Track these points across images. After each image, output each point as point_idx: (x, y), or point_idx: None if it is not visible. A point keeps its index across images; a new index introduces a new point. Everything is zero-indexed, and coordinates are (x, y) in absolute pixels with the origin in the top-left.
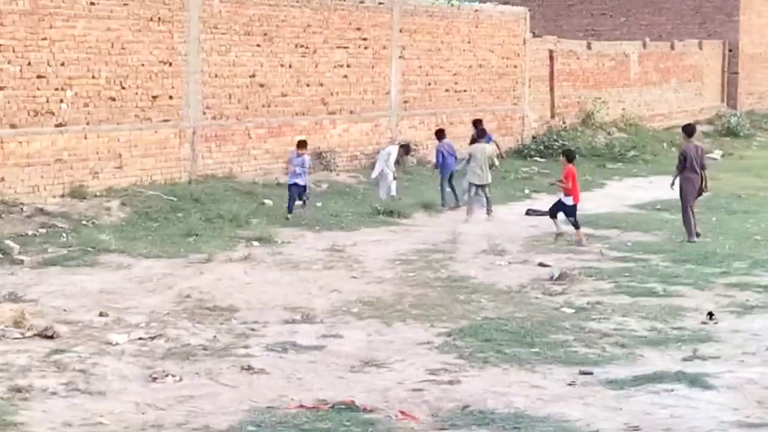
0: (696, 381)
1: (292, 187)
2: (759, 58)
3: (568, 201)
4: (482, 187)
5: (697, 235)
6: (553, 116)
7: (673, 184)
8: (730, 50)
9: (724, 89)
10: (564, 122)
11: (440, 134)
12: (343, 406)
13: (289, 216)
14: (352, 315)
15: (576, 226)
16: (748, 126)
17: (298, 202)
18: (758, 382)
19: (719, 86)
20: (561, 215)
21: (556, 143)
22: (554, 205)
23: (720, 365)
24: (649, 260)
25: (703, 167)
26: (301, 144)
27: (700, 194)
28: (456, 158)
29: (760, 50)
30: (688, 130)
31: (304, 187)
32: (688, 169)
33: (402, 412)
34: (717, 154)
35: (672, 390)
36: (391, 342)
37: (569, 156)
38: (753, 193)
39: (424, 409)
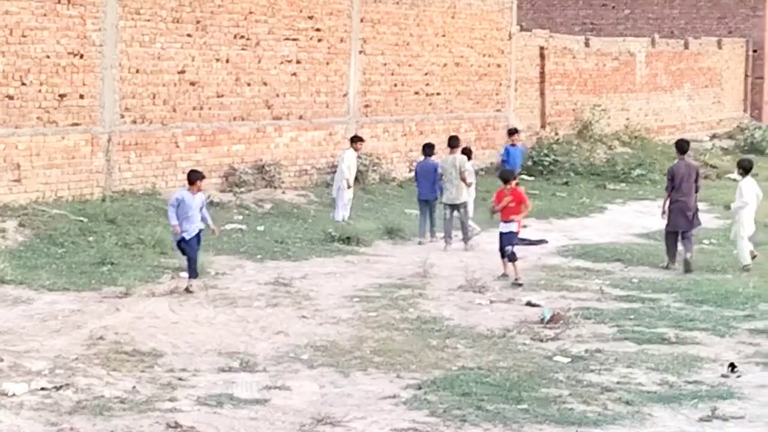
0: None
1: (183, 244)
2: None
3: (508, 228)
4: (455, 207)
5: (687, 269)
6: (543, 126)
7: (663, 212)
8: (754, 51)
9: (747, 97)
10: (557, 133)
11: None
12: None
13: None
14: (301, 362)
15: (512, 258)
16: None
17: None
18: None
19: (741, 93)
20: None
21: (547, 158)
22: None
23: (744, 427)
24: (659, 300)
25: (697, 190)
26: (194, 177)
27: (694, 218)
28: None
29: None
30: (681, 145)
31: (198, 237)
32: (677, 191)
33: None
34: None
35: None
36: (349, 395)
37: (504, 177)
38: None
39: None
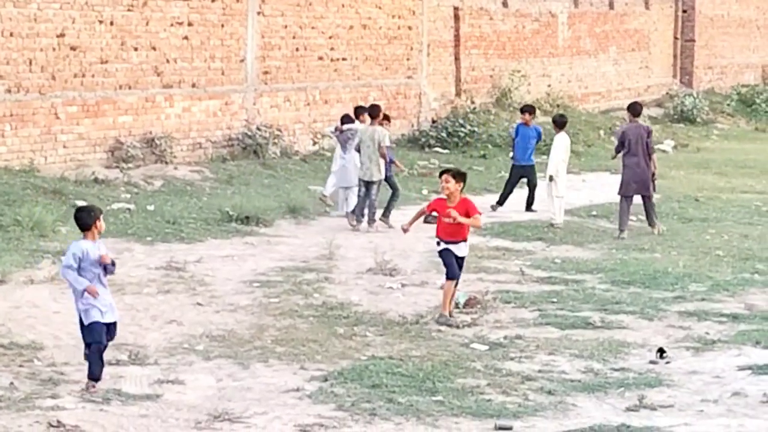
0: None
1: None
2: (720, 22)
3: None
4: (369, 185)
5: (657, 231)
6: (458, 94)
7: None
8: (684, 11)
9: (677, 62)
10: (473, 102)
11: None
12: None
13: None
14: (196, 354)
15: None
16: (707, 110)
17: None
18: None
19: (670, 57)
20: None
21: (463, 129)
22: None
23: (674, 417)
24: (583, 282)
25: (651, 152)
26: (88, 220)
27: (652, 182)
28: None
29: (723, 11)
30: (635, 108)
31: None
32: (629, 155)
33: None
34: (668, 145)
35: None
36: (249, 389)
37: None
38: (713, 196)
39: None
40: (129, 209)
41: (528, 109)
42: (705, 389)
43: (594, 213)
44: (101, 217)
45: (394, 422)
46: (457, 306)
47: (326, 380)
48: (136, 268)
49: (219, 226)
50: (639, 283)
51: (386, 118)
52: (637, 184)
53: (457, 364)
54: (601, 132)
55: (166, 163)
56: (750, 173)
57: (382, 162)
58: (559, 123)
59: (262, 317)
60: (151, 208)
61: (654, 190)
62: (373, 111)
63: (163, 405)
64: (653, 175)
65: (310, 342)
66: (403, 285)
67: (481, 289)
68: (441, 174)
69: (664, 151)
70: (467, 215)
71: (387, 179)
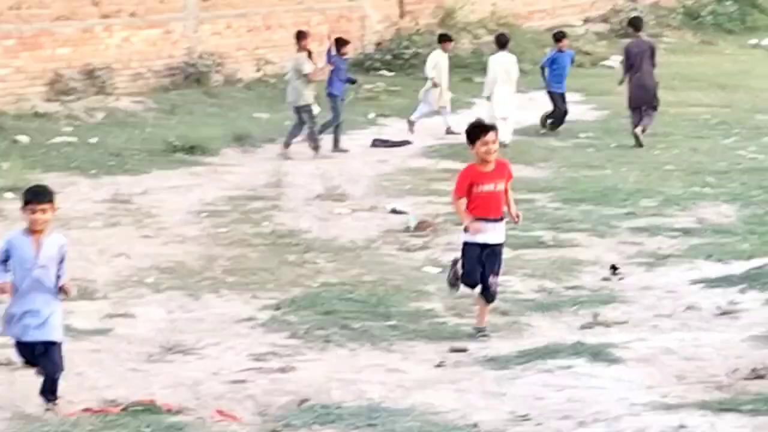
0: (599, 354)
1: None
2: None
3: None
4: (297, 110)
5: (637, 143)
6: (402, 16)
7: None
8: None
9: None
10: (417, 23)
11: None
12: (140, 408)
13: None
14: (146, 287)
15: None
16: (653, 23)
17: None
18: (676, 352)
19: None
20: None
21: (407, 51)
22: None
23: (628, 332)
24: (534, 201)
25: (653, 66)
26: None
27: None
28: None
29: None
30: (635, 22)
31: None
32: (633, 70)
33: (219, 412)
34: (614, 60)
35: (569, 367)
36: (201, 320)
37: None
38: (661, 111)
39: (248, 407)
40: (71, 143)
41: (561, 35)
42: (658, 304)
43: (542, 132)
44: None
45: (348, 348)
46: (407, 229)
47: (278, 308)
48: (81, 202)
49: (164, 156)
50: (590, 201)
51: (447, 39)
52: (642, 96)
53: (409, 288)
54: (547, 50)
55: (107, 94)
56: (698, 86)
57: (310, 87)
58: (501, 42)
59: (212, 247)
60: (93, 140)
61: (657, 105)
62: (297, 36)
63: (114, 339)
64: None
65: (260, 271)
66: (352, 210)
67: (431, 212)
68: (474, 133)
69: (610, 66)
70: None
71: (332, 104)
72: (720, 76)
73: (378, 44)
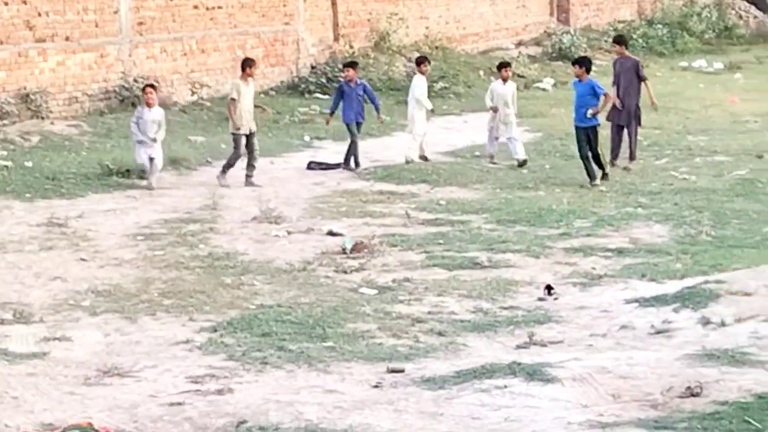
0: (534, 373)
1: None
2: None
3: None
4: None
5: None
6: (336, 39)
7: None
8: None
9: (554, 0)
10: (351, 47)
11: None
12: (77, 431)
13: None
14: (82, 310)
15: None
16: (585, 46)
17: None
18: (611, 371)
19: None
20: None
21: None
22: None
23: (563, 352)
24: (469, 222)
25: (642, 79)
26: None
27: (628, 112)
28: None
29: None
30: (620, 40)
31: None
32: (616, 86)
33: None
34: (547, 83)
35: (505, 386)
36: (138, 343)
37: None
38: None
39: (186, 429)
40: (6, 166)
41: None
42: (593, 324)
43: (477, 153)
44: None
45: (285, 369)
46: (344, 251)
47: (216, 331)
48: (17, 225)
49: (99, 180)
50: (524, 222)
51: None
52: (620, 114)
53: (346, 309)
54: (481, 72)
55: (43, 118)
56: None
57: (238, 114)
58: (418, 62)
59: (148, 270)
60: (29, 164)
61: (638, 122)
62: (242, 64)
63: (50, 362)
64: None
65: (197, 293)
66: (288, 232)
67: (367, 233)
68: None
69: (543, 89)
70: None
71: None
72: None
73: (313, 67)
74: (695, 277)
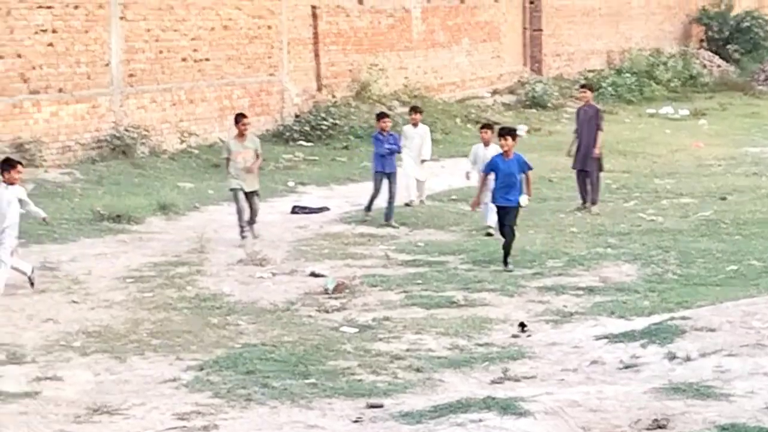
0: (508, 407)
1: None
2: (566, 12)
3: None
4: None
5: (590, 203)
6: (320, 89)
7: (569, 153)
8: (531, 2)
9: (527, 50)
10: (334, 96)
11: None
12: None
13: None
14: (73, 350)
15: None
16: (557, 95)
17: None
18: (582, 404)
19: (520, 47)
20: None
21: (325, 122)
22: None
23: (536, 387)
24: (446, 263)
25: (597, 127)
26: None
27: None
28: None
29: (568, 1)
30: (590, 86)
31: None
32: (577, 132)
33: None
34: (522, 129)
35: (480, 420)
36: (127, 382)
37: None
38: (565, 176)
39: None
40: None
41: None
42: (565, 359)
43: (454, 197)
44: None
45: (269, 406)
46: (326, 291)
47: (202, 369)
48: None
49: (91, 225)
50: (499, 262)
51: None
52: (580, 160)
53: (328, 347)
54: (458, 120)
55: (37, 166)
56: None
57: (234, 172)
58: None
59: (137, 311)
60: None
61: (600, 168)
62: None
63: (42, 401)
64: (593, 150)
65: (184, 333)
66: (273, 274)
67: (348, 274)
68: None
69: (519, 135)
70: None
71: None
72: (620, 143)
73: (297, 116)
74: (662, 314)
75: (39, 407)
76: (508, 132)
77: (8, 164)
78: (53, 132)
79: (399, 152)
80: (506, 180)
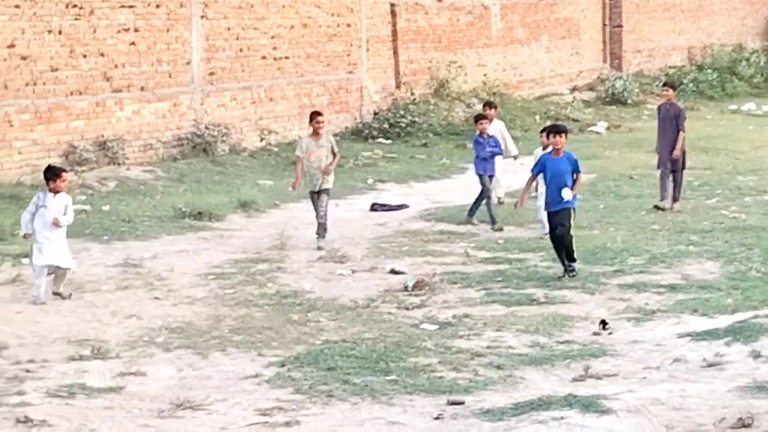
0: (590, 405)
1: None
2: (647, 7)
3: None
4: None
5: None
6: (398, 86)
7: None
8: None
9: (606, 47)
10: (412, 93)
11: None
12: None
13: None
14: (156, 346)
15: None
16: (637, 91)
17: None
18: (665, 403)
19: (600, 43)
20: None
21: (404, 120)
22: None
23: (618, 384)
24: (526, 260)
25: (679, 128)
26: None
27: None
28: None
29: None
30: (670, 84)
31: None
32: (658, 130)
33: None
34: (601, 126)
35: (562, 418)
36: (209, 377)
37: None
38: (646, 174)
39: None
40: (85, 210)
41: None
42: (647, 357)
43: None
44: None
45: (350, 402)
46: (406, 289)
47: (283, 365)
48: (94, 266)
49: (173, 222)
50: (580, 259)
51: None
52: (662, 158)
53: (408, 344)
54: (537, 117)
55: (119, 164)
56: None
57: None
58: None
59: (219, 308)
60: (106, 208)
61: (683, 166)
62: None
63: (126, 396)
64: (672, 151)
65: (265, 330)
66: (353, 271)
67: (428, 271)
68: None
69: (597, 132)
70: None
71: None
72: (702, 140)
73: (375, 113)
74: (746, 312)
75: (123, 402)
76: (560, 130)
77: (53, 173)
78: (135, 130)
79: (501, 154)
80: (557, 181)
